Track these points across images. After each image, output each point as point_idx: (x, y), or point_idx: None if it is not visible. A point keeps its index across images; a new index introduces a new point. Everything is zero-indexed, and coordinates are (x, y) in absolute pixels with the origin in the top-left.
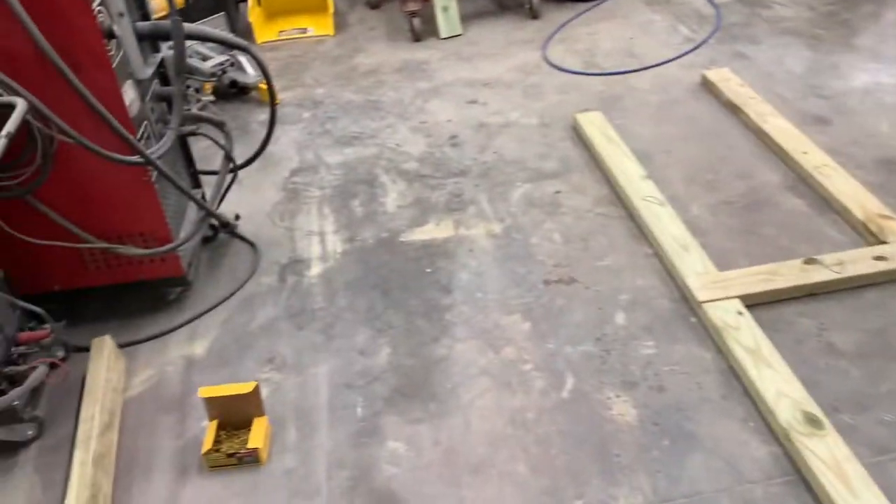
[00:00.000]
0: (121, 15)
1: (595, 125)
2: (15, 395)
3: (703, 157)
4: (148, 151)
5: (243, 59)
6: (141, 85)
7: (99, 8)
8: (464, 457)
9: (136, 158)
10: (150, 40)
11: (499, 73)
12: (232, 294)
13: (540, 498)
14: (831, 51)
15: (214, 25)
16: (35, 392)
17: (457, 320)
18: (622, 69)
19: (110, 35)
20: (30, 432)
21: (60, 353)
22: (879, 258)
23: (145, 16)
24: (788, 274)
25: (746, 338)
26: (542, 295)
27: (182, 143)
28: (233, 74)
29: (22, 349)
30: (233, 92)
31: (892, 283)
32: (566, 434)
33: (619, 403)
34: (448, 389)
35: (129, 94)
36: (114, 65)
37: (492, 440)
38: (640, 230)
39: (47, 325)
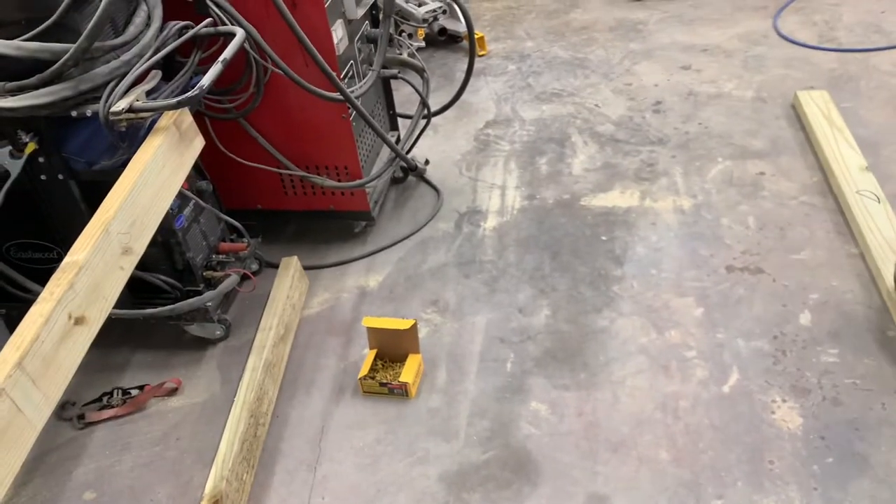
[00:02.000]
0: None
1: (817, 105)
2: (209, 297)
3: None
4: (349, 90)
5: (457, 7)
6: (351, 25)
7: None
8: (605, 432)
9: (336, 95)
10: None
11: (720, 40)
12: (410, 235)
13: (677, 489)
14: None
15: None
16: (227, 297)
17: (624, 294)
18: (863, 46)
19: None
20: (218, 332)
21: (254, 266)
22: None
23: None
24: None
25: None
26: (723, 281)
27: (385, 86)
28: (443, 22)
29: (221, 258)
30: (442, 39)
31: None
32: (719, 429)
33: (785, 409)
34: (601, 362)
35: (339, 32)
36: (326, 4)
37: (638, 421)
38: (847, 226)
39: (246, 239)
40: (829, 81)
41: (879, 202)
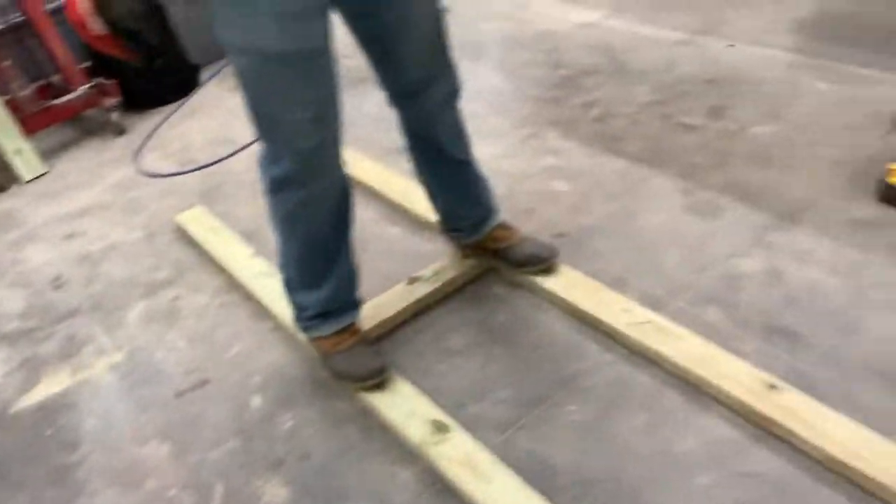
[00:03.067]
0: None
1: (198, 221)
2: None
3: None
4: None
5: None
6: None
7: None
8: None
9: None
10: None
11: (93, 198)
12: None
13: None
14: None
15: None
16: None
17: (89, 474)
18: (217, 158)
19: None
20: None
21: None
22: (466, 257)
23: None
24: (395, 299)
25: None
26: (177, 408)
27: None
28: None
29: None
30: None
31: (482, 275)
32: None
33: (270, 488)
34: None
35: None
36: None
37: None
38: (261, 307)
39: None
40: (202, 197)
41: (271, 277)
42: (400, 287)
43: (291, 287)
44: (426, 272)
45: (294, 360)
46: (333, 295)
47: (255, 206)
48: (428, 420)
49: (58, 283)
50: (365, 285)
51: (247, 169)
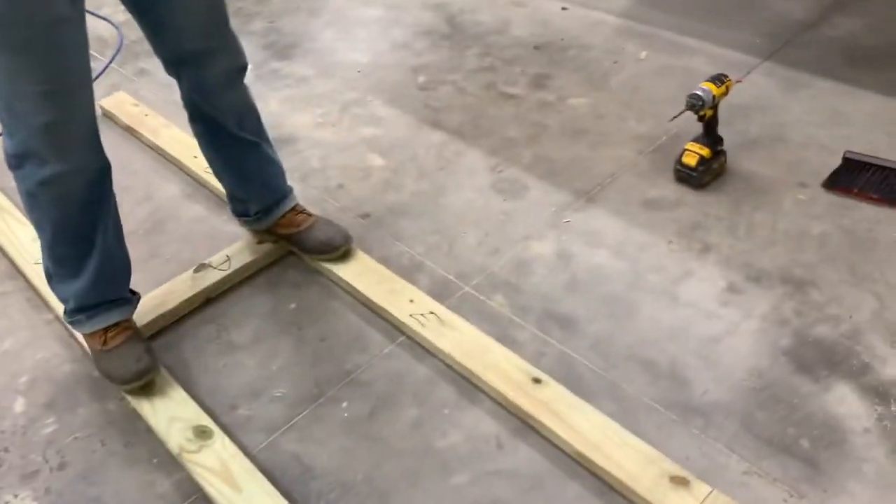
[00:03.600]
0: None
1: None
2: None
3: None
4: None
5: None
6: None
7: None
8: None
9: None
10: None
11: None
12: None
13: None
14: None
15: None
16: None
17: None
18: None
19: None
20: None
21: None
22: (261, 242)
23: None
24: (181, 288)
25: None
26: None
27: None
28: None
29: None
30: None
31: (279, 260)
32: None
33: (20, 502)
34: None
35: None
36: None
37: None
38: (39, 297)
39: None
40: None
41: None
42: (187, 275)
43: (49, 276)
44: (216, 258)
45: (67, 357)
46: (92, 287)
47: None
48: (190, 426)
49: None
50: (158, 271)
51: None
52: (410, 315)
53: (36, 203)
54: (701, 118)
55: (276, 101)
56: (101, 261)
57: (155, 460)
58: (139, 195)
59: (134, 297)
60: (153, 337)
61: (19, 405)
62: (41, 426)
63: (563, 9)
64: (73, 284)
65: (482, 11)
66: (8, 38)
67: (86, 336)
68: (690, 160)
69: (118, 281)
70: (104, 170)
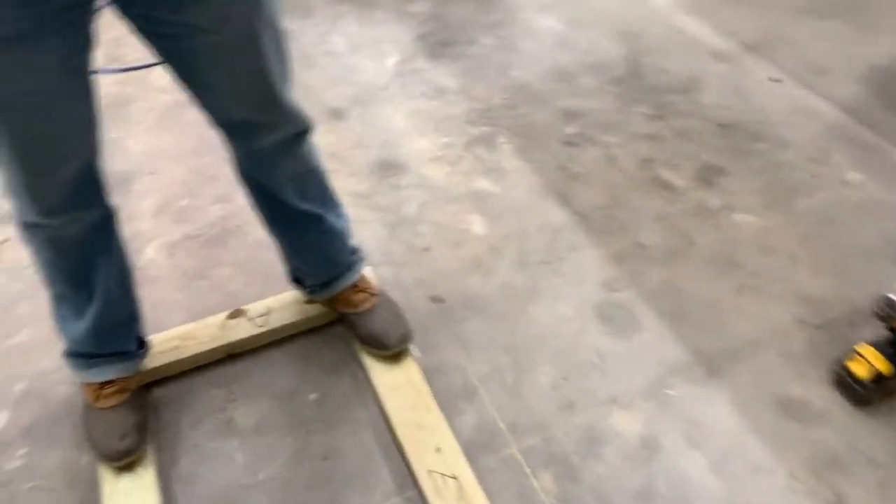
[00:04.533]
0: None
1: None
2: None
3: (191, 176)
4: None
5: None
6: None
7: None
8: None
9: None
10: None
11: None
12: None
13: None
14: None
15: None
16: None
17: None
18: (146, 62)
19: None
20: None
21: None
22: (311, 302)
23: None
24: (206, 335)
25: None
26: None
27: None
28: None
29: None
30: None
31: (324, 327)
32: None
33: None
34: None
35: None
36: None
37: None
38: None
39: None
40: (106, 109)
41: None
42: (218, 319)
43: (51, 309)
44: (255, 307)
45: (67, 377)
46: (92, 335)
47: (153, 138)
48: None
49: None
50: (196, 297)
51: (168, 86)
52: (430, 471)
53: (26, 237)
54: (891, 330)
55: (403, 115)
56: (101, 310)
57: None
58: (220, 192)
59: (140, 351)
60: (158, 383)
61: (2, 419)
62: (9, 457)
63: (773, 80)
64: (75, 324)
65: (672, 58)
66: None
67: (81, 383)
68: (860, 370)
69: (119, 334)
70: (105, 218)
